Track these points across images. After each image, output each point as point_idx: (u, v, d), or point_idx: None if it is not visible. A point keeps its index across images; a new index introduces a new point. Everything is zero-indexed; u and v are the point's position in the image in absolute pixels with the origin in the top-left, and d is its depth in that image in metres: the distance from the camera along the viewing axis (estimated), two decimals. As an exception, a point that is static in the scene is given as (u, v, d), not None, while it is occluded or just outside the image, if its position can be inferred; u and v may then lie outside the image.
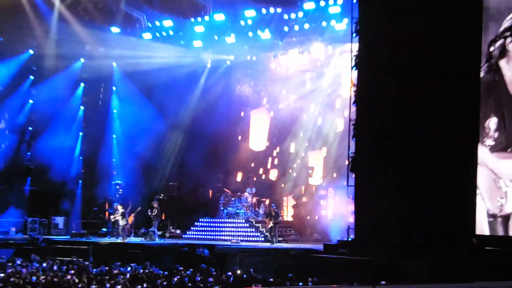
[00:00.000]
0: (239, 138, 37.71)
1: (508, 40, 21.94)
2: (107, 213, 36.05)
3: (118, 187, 36.95)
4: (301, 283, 19.57)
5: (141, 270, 23.50)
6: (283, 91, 36.75)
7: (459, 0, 22.32)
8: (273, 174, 37.10)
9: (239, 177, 37.13)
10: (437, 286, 6.16)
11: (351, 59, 24.96)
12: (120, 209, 32.99)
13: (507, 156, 21.79)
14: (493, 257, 20.78)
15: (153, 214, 32.99)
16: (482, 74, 22.30)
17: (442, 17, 22.23)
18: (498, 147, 21.99)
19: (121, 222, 32.77)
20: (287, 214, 35.38)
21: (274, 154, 37.20)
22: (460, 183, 22.16)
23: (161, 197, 35.38)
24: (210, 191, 36.87)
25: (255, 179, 36.74)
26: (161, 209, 33.84)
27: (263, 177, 37.25)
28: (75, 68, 37.58)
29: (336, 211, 31.83)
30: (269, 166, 37.33)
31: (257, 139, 37.49)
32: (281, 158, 36.95)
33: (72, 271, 22.43)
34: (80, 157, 38.48)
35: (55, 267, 24.06)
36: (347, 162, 25.22)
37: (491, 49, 22.20)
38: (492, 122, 22.07)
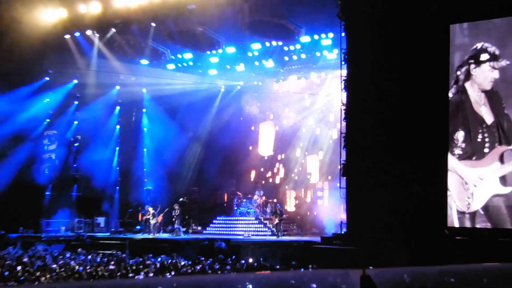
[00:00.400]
0: (250, 148, 37.75)
1: (472, 66, 22.00)
2: (140, 214, 36.05)
3: (148, 192, 37.03)
4: (302, 269, 19.57)
5: (169, 261, 23.49)
6: (285, 110, 36.84)
7: (430, 37, 22.36)
8: (278, 178, 37.11)
9: (249, 182, 37.11)
10: (417, 269, 6.16)
11: (341, 82, 24.94)
12: (151, 210, 33.10)
13: (472, 164, 21.89)
14: (462, 245, 20.81)
15: (176, 214, 33.09)
16: (451, 95, 22.38)
17: (416, 49, 22.32)
18: (465, 156, 22.06)
19: (152, 221, 32.89)
20: (290, 206, 35.40)
21: (279, 159, 37.16)
22: (434, 186, 22.24)
23: (183, 200, 35.41)
24: (225, 194, 36.84)
25: (263, 182, 36.78)
26: (182, 210, 33.89)
27: (270, 180, 37.26)
28: (112, 94, 37.66)
29: (331, 209, 31.75)
30: (275, 170, 37.37)
31: (265, 146, 37.57)
32: (284, 164, 36.97)
33: (112, 262, 22.46)
34: (117, 168, 38.51)
35: (97, 259, 24.09)
36: (339, 168, 25.24)
37: (458, 73, 22.25)
38: (459, 135, 22.11)
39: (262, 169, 37.53)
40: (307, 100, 36.13)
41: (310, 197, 35.16)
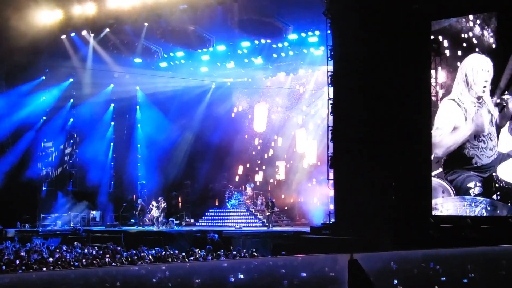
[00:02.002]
0: (246, 136, 37.56)
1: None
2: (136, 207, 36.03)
3: (142, 186, 37.00)
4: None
5: (163, 252, 23.47)
6: (274, 103, 36.77)
7: (412, 33, 22.51)
8: (269, 170, 36.96)
9: (241, 175, 37.09)
10: (401, 253, 6.19)
11: (327, 78, 25.00)
12: (154, 203, 33.15)
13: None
14: (446, 232, 20.93)
15: (161, 207, 33.09)
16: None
17: (399, 45, 22.44)
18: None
19: (155, 213, 32.93)
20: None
21: (269, 149, 37.02)
22: (418, 176, 22.37)
23: (173, 194, 35.50)
24: (217, 187, 36.83)
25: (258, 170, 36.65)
26: (168, 204, 34.11)
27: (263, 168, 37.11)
28: (107, 92, 37.55)
29: (319, 200, 31.87)
30: (266, 157, 37.28)
31: (259, 123, 37.31)
32: (275, 152, 36.91)
33: (108, 255, 22.41)
34: (112, 163, 38.50)
35: (93, 252, 24.04)
36: (326, 161, 25.26)
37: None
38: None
39: (254, 154, 37.30)
40: (295, 95, 36.07)
41: (301, 187, 35.00)
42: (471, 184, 21.67)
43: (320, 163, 31.95)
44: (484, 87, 21.49)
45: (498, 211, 21.16)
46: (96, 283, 6.50)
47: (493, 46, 21.45)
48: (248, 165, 37.36)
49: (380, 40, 22.76)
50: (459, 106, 22.05)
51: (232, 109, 37.72)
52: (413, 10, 22.16)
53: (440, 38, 22.63)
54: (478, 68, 21.62)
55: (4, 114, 33.87)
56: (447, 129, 22.26)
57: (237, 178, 36.86)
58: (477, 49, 21.71)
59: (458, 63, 22.13)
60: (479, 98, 21.59)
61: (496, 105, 21.28)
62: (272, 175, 36.51)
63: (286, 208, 34.41)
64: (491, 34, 21.47)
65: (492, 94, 21.33)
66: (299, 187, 34.15)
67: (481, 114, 21.57)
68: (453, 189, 22.05)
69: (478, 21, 21.77)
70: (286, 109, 36.47)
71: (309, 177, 33.93)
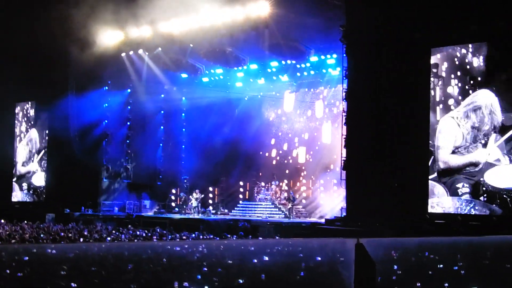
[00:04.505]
0: (272, 142, 37.28)
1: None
2: (178, 198, 36.35)
3: (185, 180, 37.31)
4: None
5: (201, 237, 23.66)
6: (297, 112, 36.40)
7: (414, 58, 22.53)
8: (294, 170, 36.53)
9: (268, 174, 36.92)
10: (399, 239, 6.33)
11: (343, 94, 25.08)
12: (194, 195, 33.34)
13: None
14: (439, 226, 20.89)
15: (199, 198, 33.34)
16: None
17: (403, 67, 22.54)
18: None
19: (194, 203, 33.12)
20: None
21: (294, 154, 36.35)
22: (417, 179, 22.34)
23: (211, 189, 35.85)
24: (248, 183, 36.93)
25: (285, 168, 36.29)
26: (206, 196, 34.74)
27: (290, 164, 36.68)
28: (158, 100, 37.97)
29: (333, 197, 31.77)
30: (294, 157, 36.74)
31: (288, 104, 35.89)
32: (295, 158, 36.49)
33: (155, 237, 22.64)
34: (161, 160, 38.88)
35: (143, 234, 24.29)
36: (340, 164, 25.37)
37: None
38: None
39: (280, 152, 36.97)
40: (316, 108, 35.58)
41: (318, 187, 34.74)
42: (459, 185, 21.58)
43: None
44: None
45: (485, 211, 21.04)
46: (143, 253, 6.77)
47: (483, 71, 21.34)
48: (275, 165, 37.05)
49: (387, 64, 22.89)
50: (459, 127, 21.83)
51: (262, 118, 37.66)
52: (415, 38, 22.20)
53: (439, 61, 22.57)
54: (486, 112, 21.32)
55: (73, 115, 34.46)
56: (448, 149, 21.94)
57: (263, 176, 36.68)
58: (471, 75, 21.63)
59: (453, 84, 22.05)
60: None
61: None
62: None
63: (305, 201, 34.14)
64: (482, 61, 21.38)
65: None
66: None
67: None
68: (447, 190, 21.96)
69: (471, 49, 21.72)
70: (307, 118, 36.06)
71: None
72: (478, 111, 21.28)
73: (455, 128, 21.83)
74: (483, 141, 21.10)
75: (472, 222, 20.55)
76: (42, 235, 20.81)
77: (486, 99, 21.11)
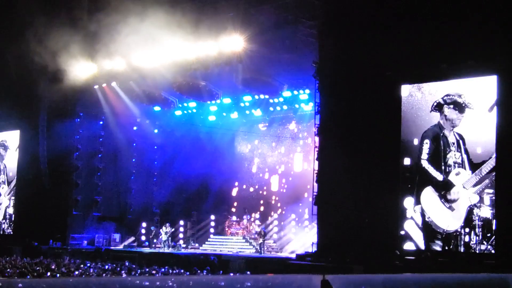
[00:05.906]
0: (245, 176, 37.35)
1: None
2: (149, 232, 35.90)
3: (156, 213, 37.01)
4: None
5: (171, 271, 23.41)
6: (270, 147, 36.50)
7: (385, 94, 22.90)
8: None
9: (239, 209, 36.86)
10: (367, 276, 6.40)
11: (315, 129, 25.35)
12: (165, 228, 33.06)
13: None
14: (409, 262, 21.01)
15: (169, 232, 33.14)
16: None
17: (374, 103, 22.84)
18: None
19: (164, 237, 32.81)
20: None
21: (267, 186, 36.32)
22: (388, 218, 22.48)
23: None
24: (219, 217, 36.76)
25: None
26: (176, 230, 34.85)
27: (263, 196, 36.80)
28: (130, 132, 37.69)
29: (304, 232, 31.80)
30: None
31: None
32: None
33: (124, 271, 22.34)
34: (132, 193, 38.34)
35: (112, 268, 23.92)
36: (310, 200, 25.50)
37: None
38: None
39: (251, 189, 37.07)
40: (288, 142, 35.85)
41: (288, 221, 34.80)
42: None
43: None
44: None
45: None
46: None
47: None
48: (244, 200, 37.05)
49: (358, 100, 23.22)
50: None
51: (235, 152, 37.73)
52: (386, 76, 22.62)
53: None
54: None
55: (44, 147, 34.15)
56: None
57: (235, 210, 36.68)
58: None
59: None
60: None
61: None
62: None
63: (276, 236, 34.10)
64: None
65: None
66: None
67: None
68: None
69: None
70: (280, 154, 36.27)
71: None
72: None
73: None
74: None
75: (440, 258, 20.73)
76: (8, 270, 20.37)
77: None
